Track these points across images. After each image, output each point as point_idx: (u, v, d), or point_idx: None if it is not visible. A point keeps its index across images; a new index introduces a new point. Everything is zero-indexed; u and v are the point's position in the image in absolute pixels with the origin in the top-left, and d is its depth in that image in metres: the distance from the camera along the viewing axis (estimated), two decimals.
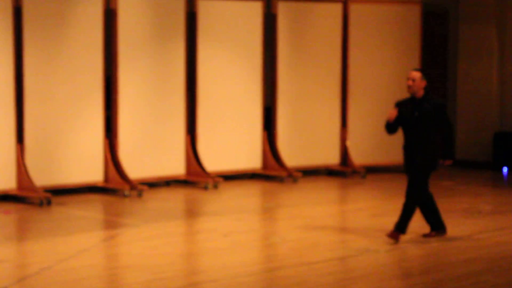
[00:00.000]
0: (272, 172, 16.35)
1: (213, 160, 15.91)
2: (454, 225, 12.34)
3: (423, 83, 11.03)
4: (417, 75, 11.04)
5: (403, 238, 11.40)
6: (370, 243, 11.05)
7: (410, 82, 11.03)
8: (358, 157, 17.01)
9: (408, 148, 11.24)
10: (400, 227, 11.04)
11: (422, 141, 11.07)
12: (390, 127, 11.23)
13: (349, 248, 10.89)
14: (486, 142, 17.96)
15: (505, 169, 17.60)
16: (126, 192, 14.50)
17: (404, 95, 16.99)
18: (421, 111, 11.00)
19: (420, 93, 11.05)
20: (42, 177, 14.10)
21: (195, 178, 15.58)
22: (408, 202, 11.11)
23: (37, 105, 14.20)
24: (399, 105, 11.20)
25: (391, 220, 12.58)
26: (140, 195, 14.50)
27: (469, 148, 18.16)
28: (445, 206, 13.87)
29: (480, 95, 18.06)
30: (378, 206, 13.89)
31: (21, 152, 14.02)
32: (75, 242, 11.27)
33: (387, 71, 17.24)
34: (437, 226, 11.39)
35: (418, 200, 11.17)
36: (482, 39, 18.02)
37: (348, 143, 17.04)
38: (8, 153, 13.91)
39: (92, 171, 14.74)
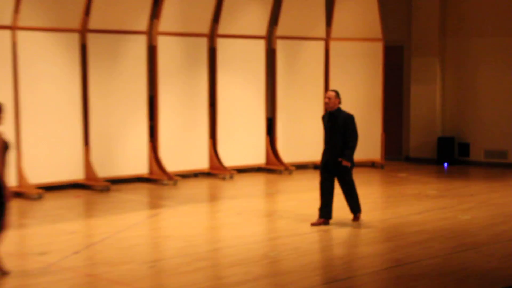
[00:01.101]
0: (273, 166, 16.35)
1: (229, 157, 15.93)
2: (408, 205, 12.39)
3: (337, 100, 10.57)
4: (332, 94, 10.59)
5: (371, 217, 11.42)
6: (346, 219, 10.99)
7: (327, 100, 10.59)
8: None
9: (325, 150, 10.71)
10: (359, 208, 10.84)
11: (334, 146, 10.55)
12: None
13: (331, 222, 10.82)
14: (431, 144, 17.95)
15: (445, 164, 17.61)
16: (165, 182, 14.52)
17: (369, 109, 17.16)
18: (333, 122, 10.57)
19: (335, 108, 10.58)
20: (103, 170, 14.13)
21: (216, 171, 15.57)
22: (352, 191, 10.73)
23: (98, 117, 14.22)
24: (323, 117, 10.77)
25: (362, 202, 12.56)
26: (175, 183, 14.51)
27: (419, 148, 18.16)
28: (401, 191, 13.96)
29: (427, 110, 18.03)
30: None
31: (87, 152, 14.07)
32: (127, 218, 11.32)
33: (358, 91, 17.22)
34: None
35: (354, 186, 10.73)
36: (428, 68, 17.99)
37: None
38: (78, 153, 13.95)
39: (139, 166, 14.76)
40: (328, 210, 10.68)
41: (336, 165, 10.57)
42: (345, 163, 10.51)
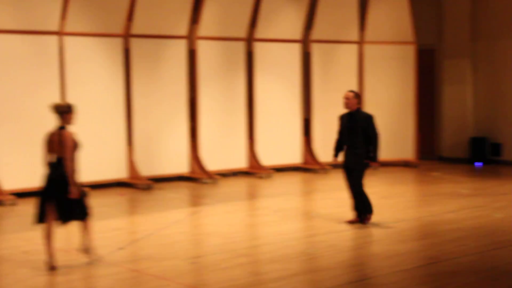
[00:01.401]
0: (310, 166, 16.29)
1: (267, 157, 15.89)
2: (442, 204, 12.23)
3: (355, 101, 10.24)
4: (350, 94, 10.28)
5: (406, 215, 11.29)
6: (381, 217, 10.90)
7: (345, 100, 10.28)
8: None
9: (346, 149, 10.39)
10: (367, 210, 10.42)
11: (353, 145, 10.23)
12: (336, 152, 10.56)
13: None
14: (464, 144, 17.79)
15: (478, 164, 17.42)
16: (205, 180, 14.52)
17: (403, 110, 17.02)
18: (353, 122, 10.26)
19: (354, 108, 10.26)
20: (146, 169, 14.19)
21: (254, 170, 15.56)
22: (356, 193, 10.37)
23: (141, 119, 14.28)
24: (341, 117, 10.45)
25: (397, 200, 12.58)
26: (215, 182, 14.51)
27: (452, 148, 18.00)
28: (435, 190, 13.79)
29: (459, 111, 17.88)
30: (386, 190, 13.79)
31: (131, 152, 14.12)
32: (169, 215, 11.33)
33: (391, 93, 17.13)
34: (364, 211, 10.44)
35: (361, 188, 10.34)
36: (460, 70, 17.85)
37: None
38: (122, 153, 14.02)
39: (180, 165, 14.79)
40: (366, 205, 10.49)
41: (354, 164, 10.30)
42: (373, 164, 10.27)
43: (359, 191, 10.40)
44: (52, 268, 8.15)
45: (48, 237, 8.21)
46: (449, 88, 18.03)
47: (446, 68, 18.06)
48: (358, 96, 10.37)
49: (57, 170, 8.17)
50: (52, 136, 8.29)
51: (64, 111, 8.30)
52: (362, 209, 10.47)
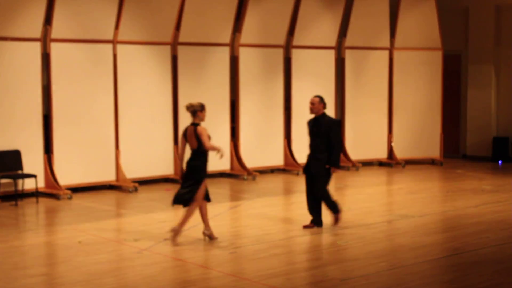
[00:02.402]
0: (342, 163, 16.06)
1: (302, 155, 15.68)
2: (465, 199, 12.09)
3: (321, 106, 9.49)
4: (316, 99, 9.53)
5: (431, 209, 11.18)
6: (408, 211, 10.87)
7: (311, 105, 9.54)
8: (400, 153, 16.75)
9: (309, 154, 9.74)
10: (335, 210, 9.77)
11: (317, 150, 9.58)
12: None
13: (393, 214, 10.70)
14: (487, 143, 17.55)
15: (500, 162, 17.17)
16: (245, 177, 14.52)
17: (429, 111, 16.83)
18: (318, 127, 9.56)
19: (319, 113, 9.54)
20: None
21: (290, 167, 15.50)
22: (321, 195, 9.70)
23: (187, 120, 14.21)
24: (309, 122, 9.71)
25: (423, 195, 12.44)
26: (254, 179, 14.48)
27: (476, 147, 17.77)
28: (459, 186, 13.63)
29: (482, 112, 17.64)
30: (413, 186, 13.65)
31: (176, 150, 14.17)
32: (211, 209, 11.11)
33: (419, 95, 16.95)
34: (316, 221, 9.80)
35: (325, 192, 9.66)
36: (484, 74, 17.62)
37: (393, 144, 16.80)
38: (167, 151, 14.05)
39: (222, 162, 14.63)
40: (319, 216, 9.87)
41: (316, 170, 9.64)
42: (334, 170, 9.56)
43: (323, 195, 9.72)
44: (213, 238, 8.94)
45: (203, 213, 8.98)
46: (473, 91, 17.80)
47: (471, 72, 17.84)
48: (323, 101, 9.62)
49: (191, 160, 8.78)
50: (188, 132, 8.82)
51: (197, 110, 8.83)
52: (333, 210, 9.85)
